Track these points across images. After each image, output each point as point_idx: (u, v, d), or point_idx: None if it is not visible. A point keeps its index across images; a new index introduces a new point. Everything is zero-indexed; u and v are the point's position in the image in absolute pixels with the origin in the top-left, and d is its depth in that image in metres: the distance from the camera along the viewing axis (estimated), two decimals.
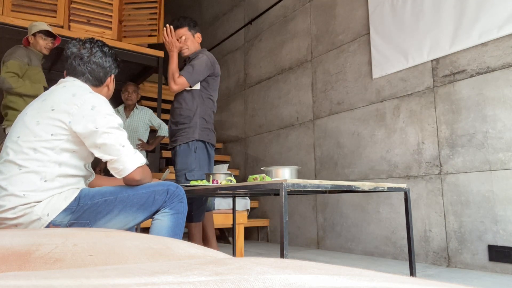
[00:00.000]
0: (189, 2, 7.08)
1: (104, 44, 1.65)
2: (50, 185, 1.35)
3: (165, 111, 5.80)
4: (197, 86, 2.57)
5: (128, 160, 1.39)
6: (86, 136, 1.37)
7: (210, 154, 2.58)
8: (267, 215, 4.55)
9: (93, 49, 1.58)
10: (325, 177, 3.75)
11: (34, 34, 3.11)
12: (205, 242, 2.66)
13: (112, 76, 1.66)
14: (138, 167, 1.42)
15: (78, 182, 1.46)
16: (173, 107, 2.63)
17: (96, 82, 1.59)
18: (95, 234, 0.86)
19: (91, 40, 1.62)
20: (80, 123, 1.36)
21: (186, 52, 2.63)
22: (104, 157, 1.39)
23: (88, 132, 1.36)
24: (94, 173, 1.60)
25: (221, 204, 3.18)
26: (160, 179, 2.09)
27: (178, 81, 2.47)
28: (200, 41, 2.71)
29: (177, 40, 2.60)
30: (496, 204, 2.49)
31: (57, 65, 4.32)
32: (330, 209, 3.68)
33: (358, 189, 1.57)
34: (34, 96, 2.95)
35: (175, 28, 2.62)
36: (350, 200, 3.48)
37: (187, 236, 2.59)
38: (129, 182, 1.44)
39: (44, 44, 3.15)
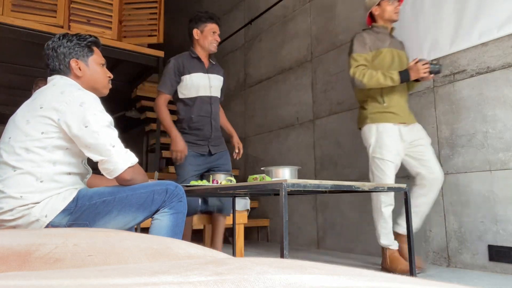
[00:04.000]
0: (189, 2, 7.08)
1: (72, 34, 1.59)
2: (47, 186, 1.34)
3: None
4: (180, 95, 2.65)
5: (119, 160, 1.37)
6: (76, 135, 1.35)
7: (186, 162, 2.53)
8: (267, 215, 4.55)
9: (58, 42, 1.55)
10: (325, 177, 3.75)
11: (379, 3, 2.60)
12: (212, 245, 2.67)
13: (78, 61, 1.54)
14: (129, 167, 1.40)
15: (76, 181, 1.45)
16: None
17: (67, 71, 1.54)
18: (95, 234, 0.86)
19: (60, 35, 1.58)
20: (69, 120, 1.34)
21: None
22: (94, 157, 1.37)
23: (77, 129, 1.34)
24: (91, 170, 1.60)
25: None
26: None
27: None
28: (197, 38, 2.71)
29: (213, 34, 2.67)
30: (496, 204, 2.49)
31: (46, 61, 4.31)
32: (330, 209, 3.68)
33: (358, 189, 1.57)
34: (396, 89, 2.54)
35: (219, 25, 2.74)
36: (350, 200, 3.48)
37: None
38: (121, 182, 1.43)
39: (392, 10, 2.60)
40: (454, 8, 2.81)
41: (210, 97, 2.67)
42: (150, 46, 4.44)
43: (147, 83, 5.80)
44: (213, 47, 2.67)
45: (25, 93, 4.86)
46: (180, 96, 2.62)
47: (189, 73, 2.59)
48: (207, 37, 2.65)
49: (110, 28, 4.18)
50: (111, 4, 4.19)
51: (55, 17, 3.85)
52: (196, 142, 2.61)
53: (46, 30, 3.74)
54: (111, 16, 4.19)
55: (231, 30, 5.58)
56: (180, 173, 2.54)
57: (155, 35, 4.37)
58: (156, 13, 4.41)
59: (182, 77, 2.58)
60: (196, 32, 2.67)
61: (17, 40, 3.72)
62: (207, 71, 2.68)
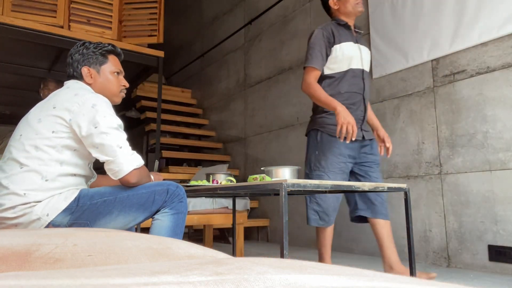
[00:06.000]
0: (189, 2, 7.08)
1: (92, 42, 1.62)
2: (51, 185, 1.35)
3: (165, 111, 5.80)
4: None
5: (124, 161, 1.38)
6: (85, 135, 1.37)
7: (332, 151, 2.09)
8: (267, 215, 4.55)
9: (76, 49, 1.59)
10: None
11: None
12: (384, 260, 2.17)
13: (90, 68, 1.57)
14: (135, 169, 1.40)
15: (79, 183, 1.46)
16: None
17: (80, 78, 1.57)
18: (95, 234, 0.87)
19: (81, 42, 1.62)
20: (80, 121, 1.36)
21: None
22: (101, 157, 1.38)
23: (87, 130, 1.36)
24: (96, 175, 1.61)
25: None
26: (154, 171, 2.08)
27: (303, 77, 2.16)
28: (336, 7, 2.27)
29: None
30: (496, 204, 2.49)
31: (57, 65, 4.32)
32: None
33: (358, 189, 1.57)
34: None
35: None
36: None
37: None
38: (125, 184, 1.43)
39: None
40: (454, 8, 2.81)
41: (362, 71, 2.21)
42: (150, 46, 4.44)
43: (147, 83, 5.81)
44: (359, 7, 2.22)
45: (25, 93, 4.88)
46: (326, 71, 2.17)
47: (339, 42, 2.16)
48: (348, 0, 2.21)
49: (110, 28, 4.18)
50: (111, 4, 4.19)
51: (55, 17, 3.85)
52: None
53: (46, 30, 3.74)
54: (111, 16, 4.19)
55: (231, 30, 5.58)
56: (324, 165, 2.09)
57: (155, 35, 4.36)
58: (156, 13, 4.40)
59: (332, 48, 2.15)
60: (332, 2, 2.24)
61: (17, 40, 3.72)
62: (356, 40, 2.23)
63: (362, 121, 2.19)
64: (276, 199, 4.36)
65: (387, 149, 2.24)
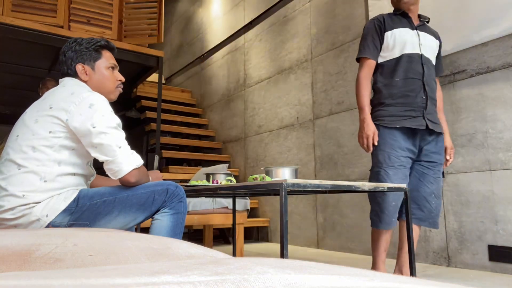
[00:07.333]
0: (189, 1, 7.08)
1: (84, 38, 1.59)
2: (49, 186, 1.34)
3: (165, 111, 5.80)
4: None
5: (124, 161, 1.37)
6: (83, 135, 1.36)
7: (388, 143, 1.96)
8: (267, 215, 4.55)
9: (68, 46, 1.56)
10: (325, 177, 3.75)
11: None
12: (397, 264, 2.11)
13: (84, 65, 1.53)
14: (134, 169, 1.39)
15: (79, 183, 1.45)
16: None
17: (74, 75, 1.54)
18: (95, 234, 0.86)
19: (72, 39, 1.59)
20: (77, 121, 1.35)
21: None
22: (100, 157, 1.37)
23: (85, 130, 1.35)
24: (95, 172, 1.60)
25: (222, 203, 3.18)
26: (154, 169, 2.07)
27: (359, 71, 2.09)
28: None
29: None
30: (496, 204, 2.49)
31: (57, 65, 4.32)
32: (330, 209, 3.68)
33: (358, 189, 1.57)
34: None
35: None
36: (350, 200, 3.48)
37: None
38: (125, 184, 1.42)
39: None
40: (454, 8, 2.81)
41: (421, 56, 2.03)
42: (150, 46, 4.44)
43: (147, 83, 5.81)
44: None
45: (25, 93, 4.88)
46: (379, 60, 2.08)
47: (391, 29, 2.05)
48: None
49: (110, 28, 4.18)
50: (111, 4, 4.20)
51: (55, 17, 3.85)
52: (405, 113, 1.97)
53: (46, 30, 3.74)
54: (111, 16, 4.19)
55: (231, 30, 5.58)
56: (381, 160, 1.95)
57: (155, 35, 4.37)
58: (156, 13, 4.40)
59: (383, 36, 2.06)
60: None
61: (17, 40, 3.72)
62: (416, 27, 2.10)
63: (424, 108, 2.00)
64: (276, 199, 4.36)
65: (445, 161, 2.09)
